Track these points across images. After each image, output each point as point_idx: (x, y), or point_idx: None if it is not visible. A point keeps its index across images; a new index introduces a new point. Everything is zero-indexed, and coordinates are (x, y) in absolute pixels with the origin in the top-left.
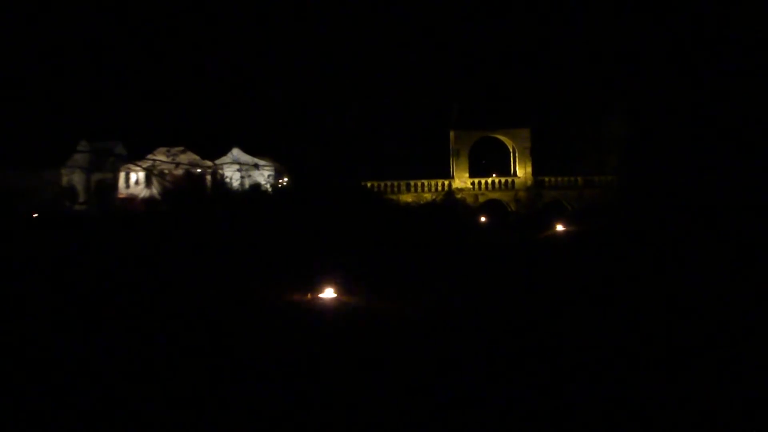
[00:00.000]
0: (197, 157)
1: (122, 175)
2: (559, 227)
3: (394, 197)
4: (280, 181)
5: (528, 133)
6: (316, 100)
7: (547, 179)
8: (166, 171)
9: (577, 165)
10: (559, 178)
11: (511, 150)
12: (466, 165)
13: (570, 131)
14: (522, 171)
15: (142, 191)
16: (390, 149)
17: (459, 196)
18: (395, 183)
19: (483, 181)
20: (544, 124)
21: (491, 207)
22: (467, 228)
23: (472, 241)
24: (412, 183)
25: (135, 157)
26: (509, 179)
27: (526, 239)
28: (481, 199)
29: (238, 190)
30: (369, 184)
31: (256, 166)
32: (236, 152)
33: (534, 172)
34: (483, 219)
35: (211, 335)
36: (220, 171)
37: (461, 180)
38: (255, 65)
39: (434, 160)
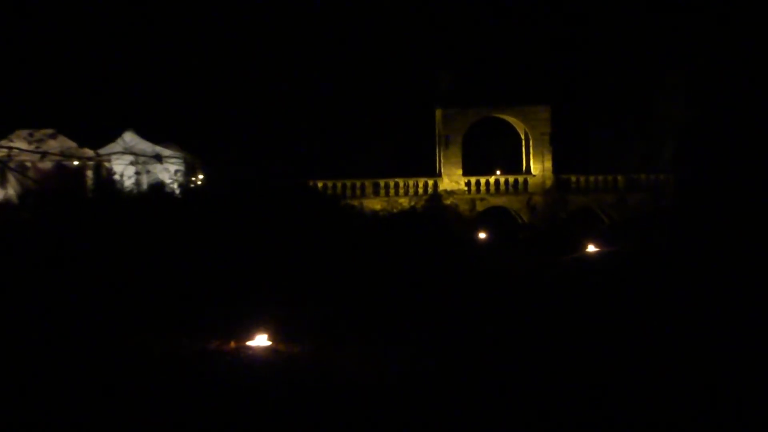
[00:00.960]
0: (73, 145)
1: None
2: (591, 248)
3: (355, 203)
4: (193, 178)
5: (547, 114)
6: (244, 65)
7: (573, 178)
8: (28, 163)
9: (616, 159)
10: (591, 178)
11: (522, 137)
12: (458, 158)
13: (606, 112)
14: (538, 167)
15: None
16: (351, 136)
17: (448, 201)
18: (357, 183)
19: (483, 180)
20: (569, 100)
21: (494, 218)
22: (459, 248)
23: (465, 268)
24: (381, 183)
25: None
26: (520, 178)
27: (543, 265)
28: (480, 207)
29: (132, 191)
30: (320, 185)
31: (159, 158)
32: (129, 138)
33: (555, 169)
34: (482, 235)
35: (77, 406)
36: (107, 164)
37: (452, 179)
38: (157, 14)
39: (413, 152)
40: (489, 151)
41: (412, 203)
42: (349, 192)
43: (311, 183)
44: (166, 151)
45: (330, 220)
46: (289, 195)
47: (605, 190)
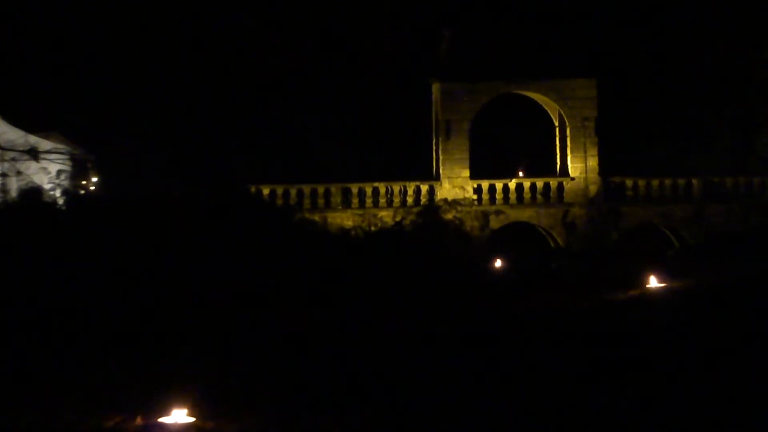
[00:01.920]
0: None
1: None
2: (655, 282)
3: (316, 217)
4: (84, 182)
5: (593, 90)
6: (158, 27)
7: (629, 183)
8: None
9: (688, 156)
10: (654, 182)
11: (557, 124)
12: (465, 154)
13: (674, 90)
14: (579, 166)
15: None
16: (311, 123)
17: (450, 215)
18: (320, 189)
19: (499, 186)
20: (623, 72)
21: (515, 239)
22: (467, 283)
23: (475, 312)
24: (353, 189)
25: None
26: (553, 183)
27: (587, 309)
28: (496, 223)
29: None
30: (266, 191)
31: (34, 154)
32: None
33: (603, 170)
34: (498, 264)
35: None
36: None
37: (455, 184)
38: None
39: (400, 145)
40: (508, 144)
41: (398, 218)
42: (307, 202)
43: (253, 189)
44: (45, 144)
45: (278, 243)
46: (221, 207)
47: (675, 199)
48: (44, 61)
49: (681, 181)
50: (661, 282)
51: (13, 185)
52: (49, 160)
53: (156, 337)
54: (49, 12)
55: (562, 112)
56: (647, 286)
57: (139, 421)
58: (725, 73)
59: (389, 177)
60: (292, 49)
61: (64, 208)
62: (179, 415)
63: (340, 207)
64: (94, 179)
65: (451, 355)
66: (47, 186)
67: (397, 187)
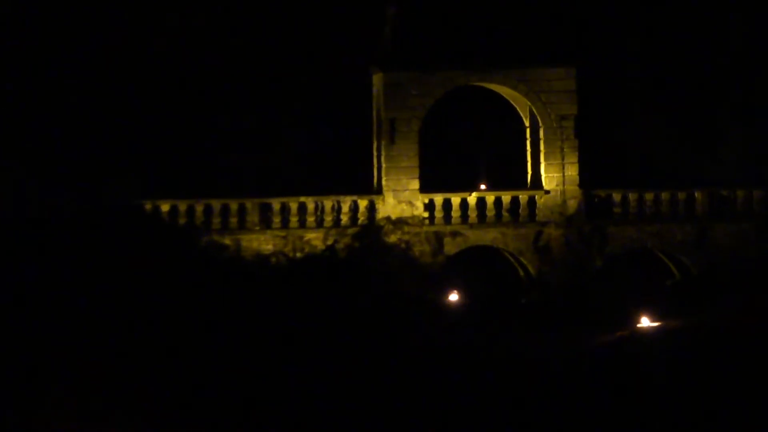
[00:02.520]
0: None
1: None
2: (646, 321)
3: (227, 240)
4: None
5: (571, 82)
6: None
7: (616, 197)
8: None
9: (688, 163)
10: (647, 196)
11: (527, 124)
12: (414, 161)
13: (675, 80)
14: (554, 176)
15: None
16: (221, 122)
17: (394, 238)
18: (233, 205)
19: (456, 201)
20: (608, 61)
21: (476, 268)
22: (416, 323)
23: (425, 363)
24: (275, 205)
25: None
26: (523, 197)
27: (560, 358)
28: (452, 248)
29: None
30: (165, 208)
31: None
32: None
33: (585, 181)
34: (455, 298)
35: None
36: None
37: (401, 199)
38: None
39: (333, 152)
40: (468, 149)
41: (330, 241)
42: (217, 221)
43: (149, 206)
44: None
45: (174, 274)
46: (105, 229)
47: (673, 217)
48: None
49: (681, 195)
50: (655, 320)
51: None
52: None
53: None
54: None
55: (534, 110)
56: (638, 325)
57: None
58: (736, 61)
59: (319, 190)
60: (191, 33)
61: None
62: None
63: (258, 227)
64: None
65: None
66: None
67: (329, 203)
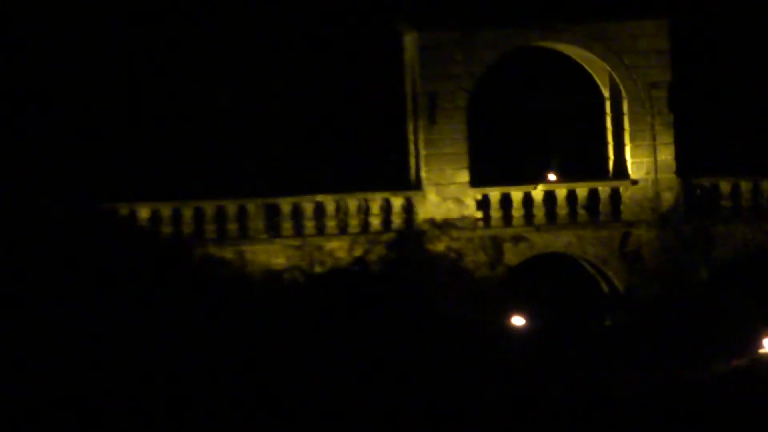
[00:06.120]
0: None
1: None
2: None
3: (228, 253)
4: None
5: (664, 40)
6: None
7: (725, 187)
8: None
9: None
10: (766, 184)
11: (607, 96)
12: (460, 146)
13: None
14: (643, 162)
15: None
16: (218, 105)
17: (441, 245)
18: (231, 209)
19: (517, 196)
20: (707, 13)
21: (546, 281)
22: (469, 354)
23: (486, 402)
24: (285, 207)
25: None
26: (603, 188)
27: (667, 396)
28: (514, 256)
29: None
30: (145, 214)
31: None
32: None
33: (681, 167)
34: (519, 322)
35: None
36: None
37: (446, 194)
38: None
39: (356, 137)
40: (531, 129)
41: (358, 252)
42: (211, 229)
43: (125, 211)
44: None
45: (162, 300)
46: (70, 239)
47: None
48: None
49: None
50: None
51: None
52: None
53: None
54: None
55: (615, 76)
56: (760, 350)
57: None
58: None
59: (341, 186)
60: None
61: None
62: None
63: (265, 235)
64: None
65: None
66: None
67: (354, 203)
